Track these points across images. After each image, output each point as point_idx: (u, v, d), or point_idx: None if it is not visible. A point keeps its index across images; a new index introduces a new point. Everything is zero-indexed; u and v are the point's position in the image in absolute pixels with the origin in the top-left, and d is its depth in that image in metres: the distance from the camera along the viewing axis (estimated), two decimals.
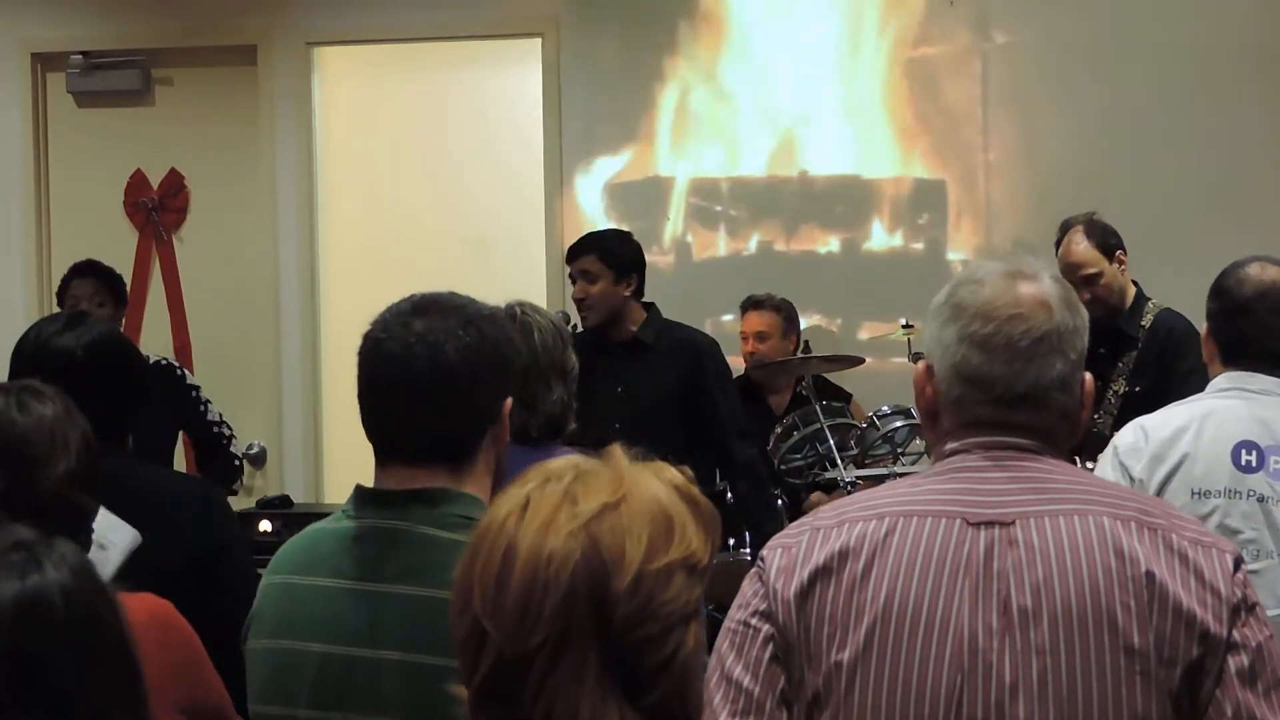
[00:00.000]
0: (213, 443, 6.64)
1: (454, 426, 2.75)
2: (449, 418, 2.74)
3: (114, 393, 3.74)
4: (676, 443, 6.16)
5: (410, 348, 2.71)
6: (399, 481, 2.74)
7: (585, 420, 6.28)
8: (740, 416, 6.58)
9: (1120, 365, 6.29)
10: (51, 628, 2.06)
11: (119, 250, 8.44)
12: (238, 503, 7.82)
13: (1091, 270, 6.24)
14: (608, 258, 6.41)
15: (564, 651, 1.84)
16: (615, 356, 6.43)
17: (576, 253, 6.49)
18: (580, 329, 6.65)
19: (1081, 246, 6.28)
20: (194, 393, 6.67)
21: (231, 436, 6.73)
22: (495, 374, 2.77)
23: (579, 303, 6.44)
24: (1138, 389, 6.18)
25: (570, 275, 6.51)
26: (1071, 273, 6.17)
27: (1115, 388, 6.22)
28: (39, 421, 2.80)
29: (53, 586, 2.07)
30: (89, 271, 6.87)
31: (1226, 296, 4.17)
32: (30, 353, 3.78)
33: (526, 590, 1.84)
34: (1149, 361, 6.23)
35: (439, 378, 2.70)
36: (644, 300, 6.56)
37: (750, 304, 7.55)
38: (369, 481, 2.84)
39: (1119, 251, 6.29)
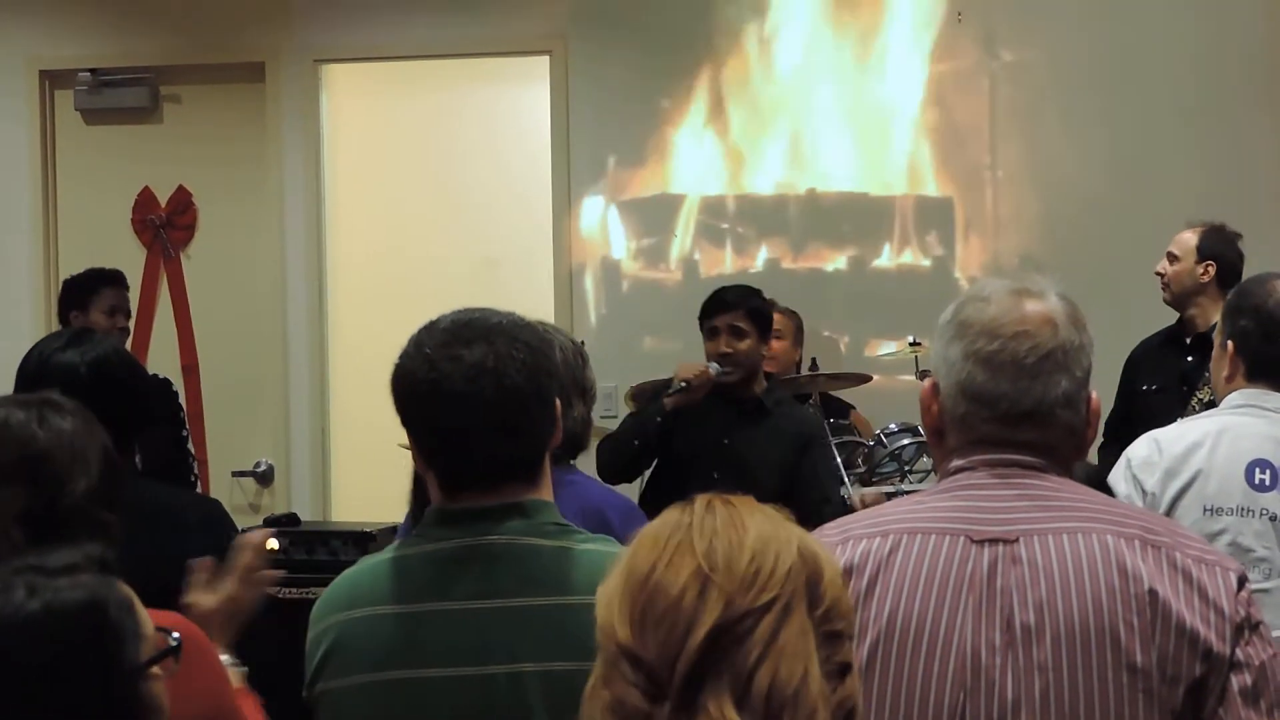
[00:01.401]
0: (180, 469, 6.57)
1: (528, 446, 2.75)
2: (524, 440, 2.74)
3: (119, 409, 3.72)
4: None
5: (473, 381, 2.67)
6: (478, 501, 2.73)
7: (686, 463, 6.28)
8: (836, 493, 6.50)
9: (1206, 374, 6.31)
10: None
11: (127, 268, 8.41)
12: (245, 520, 7.85)
13: (1175, 252, 6.40)
14: (755, 315, 6.38)
15: (792, 612, 1.85)
16: (734, 414, 6.38)
17: (723, 308, 6.40)
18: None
19: (1185, 234, 6.44)
20: (180, 413, 6.69)
21: (196, 476, 6.69)
22: (550, 382, 2.77)
23: (725, 358, 6.33)
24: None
25: (711, 328, 6.39)
26: (1169, 247, 6.44)
27: (1200, 395, 6.22)
28: (59, 436, 2.76)
29: (7, 620, 2.03)
30: (122, 282, 6.86)
31: (1264, 316, 4.14)
32: (34, 370, 3.76)
33: (761, 551, 1.87)
34: None
35: (510, 405, 2.69)
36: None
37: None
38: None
39: (1209, 263, 6.36)
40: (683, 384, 6.27)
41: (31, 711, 2.03)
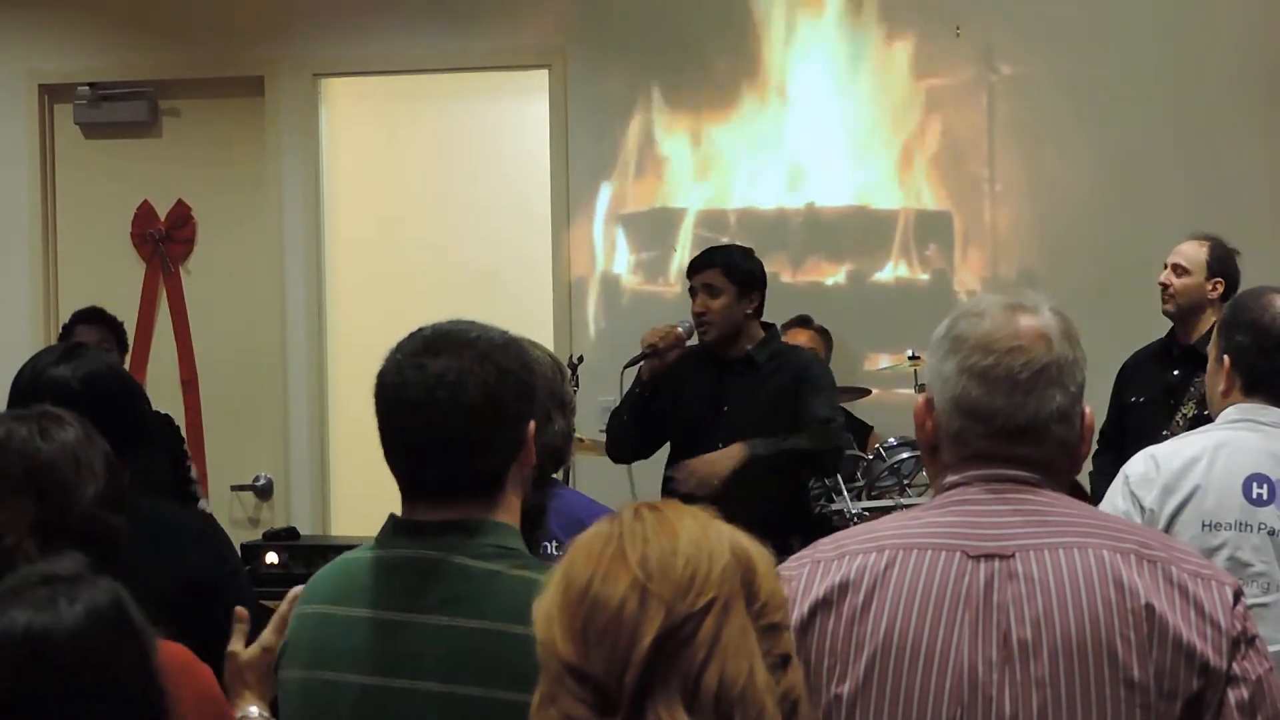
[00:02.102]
0: (183, 477, 6.65)
1: (483, 464, 2.73)
2: (478, 457, 2.72)
3: (112, 425, 3.71)
4: (774, 475, 6.14)
5: (430, 392, 2.67)
6: (431, 514, 2.73)
7: (691, 437, 6.24)
8: (837, 411, 6.39)
9: (1192, 389, 6.29)
10: (52, 669, 2.05)
11: (126, 282, 8.47)
12: (245, 534, 7.86)
13: (1184, 265, 6.42)
14: (732, 273, 6.27)
15: (732, 611, 1.86)
16: (725, 375, 6.31)
17: (700, 266, 6.34)
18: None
19: (1193, 247, 6.46)
20: (183, 445, 6.74)
21: (199, 496, 6.75)
22: (517, 404, 2.75)
23: (698, 317, 6.27)
24: (1207, 414, 6.18)
25: (690, 289, 6.35)
26: (1172, 257, 6.44)
27: (1185, 410, 6.20)
28: (62, 447, 2.77)
29: (61, 628, 2.06)
30: (97, 319, 6.88)
31: (1261, 330, 4.14)
32: (26, 384, 3.75)
33: (694, 554, 1.87)
34: None
35: (464, 421, 2.68)
36: (764, 322, 6.43)
37: (800, 321, 7.58)
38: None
39: (1219, 280, 6.38)
40: (648, 349, 6.25)
41: (89, 713, 2.06)
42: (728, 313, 6.26)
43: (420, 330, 2.78)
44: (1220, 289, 6.36)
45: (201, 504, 6.75)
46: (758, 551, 1.93)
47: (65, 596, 2.09)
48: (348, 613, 2.74)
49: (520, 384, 2.76)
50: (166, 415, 6.76)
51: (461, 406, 2.67)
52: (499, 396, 2.71)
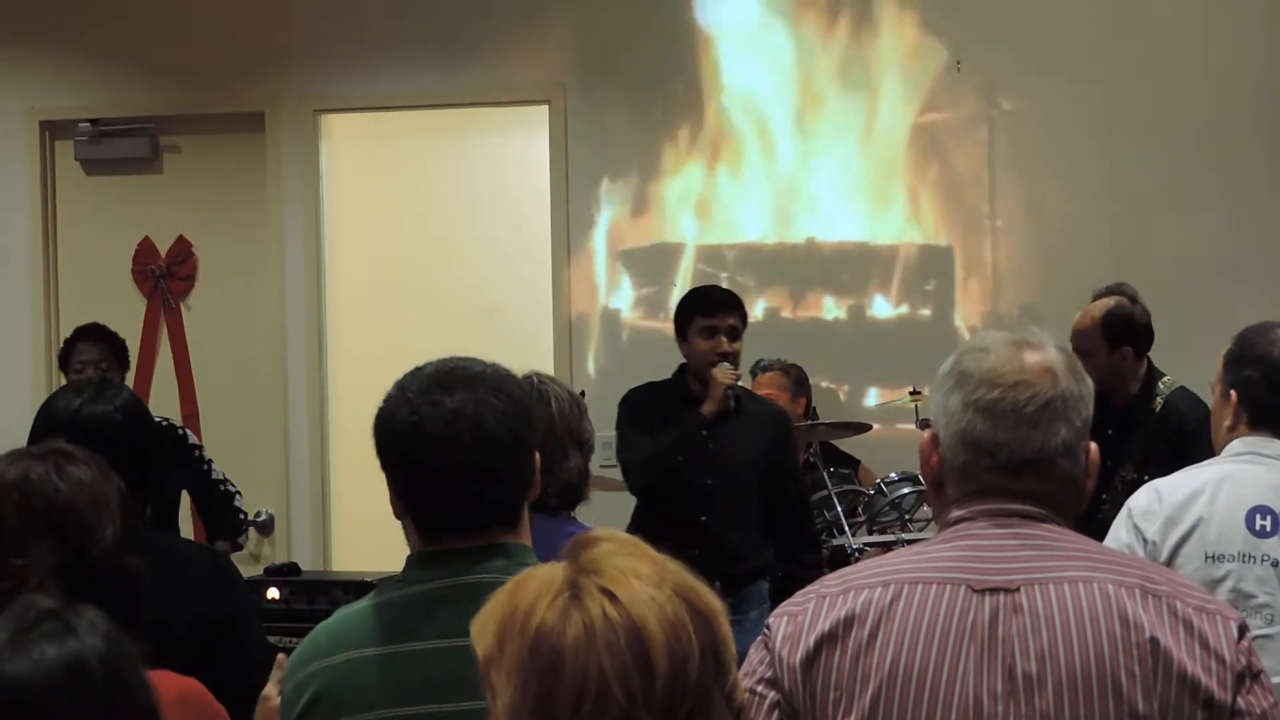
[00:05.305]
0: (219, 501, 6.70)
1: (507, 493, 2.78)
2: (503, 486, 2.77)
3: (146, 455, 3.74)
4: (756, 506, 6.22)
5: (452, 426, 2.71)
6: (459, 544, 2.76)
7: (679, 473, 6.24)
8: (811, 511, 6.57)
9: (1129, 450, 6.21)
10: (93, 694, 2.05)
11: (127, 318, 8.45)
12: (246, 570, 7.83)
13: (1082, 347, 6.16)
14: (744, 320, 6.38)
15: (711, 704, 1.87)
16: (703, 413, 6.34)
17: (728, 306, 6.38)
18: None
19: (1086, 323, 6.29)
20: (196, 452, 6.72)
21: (236, 493, 6.78)
22: (529, 434, 2.80)
23: (723, 357, 6.26)
24: (1146, 477, 6.09)
25: (707, 329, 6.30)
26: (1071, 340, 6.19)
27: (1124, 473, 6.14)
28: (79, 486, 2.74)
29: (90, 652, 2.06)
30: (96, 336, 6.84)
31: (1270, 366, 4.14)
32: (65, 421, 3.72)
33: (671, 671, 1.85)
34: (1159, 448, 6.13)
35: (488, 451, 2.72)
36: None
37: (759, 368, 7.55)
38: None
39: (1126, 347, 6.25)
40: (730, 390, 6.25)
41: None
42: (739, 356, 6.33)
43: (422, 368, 2.81)
44: (1130, 355, 6.26)
45: (239, 503, 6.81)
46: (713, 610, 1.92)
47: (78, 624, 2.08)
48: (396, 649, 2.74)
49: (528, 414, 2.81)
50: (169, 423, 6.76)
51: (484, 437, 2.71)
52: (515, 426, 2.75)
